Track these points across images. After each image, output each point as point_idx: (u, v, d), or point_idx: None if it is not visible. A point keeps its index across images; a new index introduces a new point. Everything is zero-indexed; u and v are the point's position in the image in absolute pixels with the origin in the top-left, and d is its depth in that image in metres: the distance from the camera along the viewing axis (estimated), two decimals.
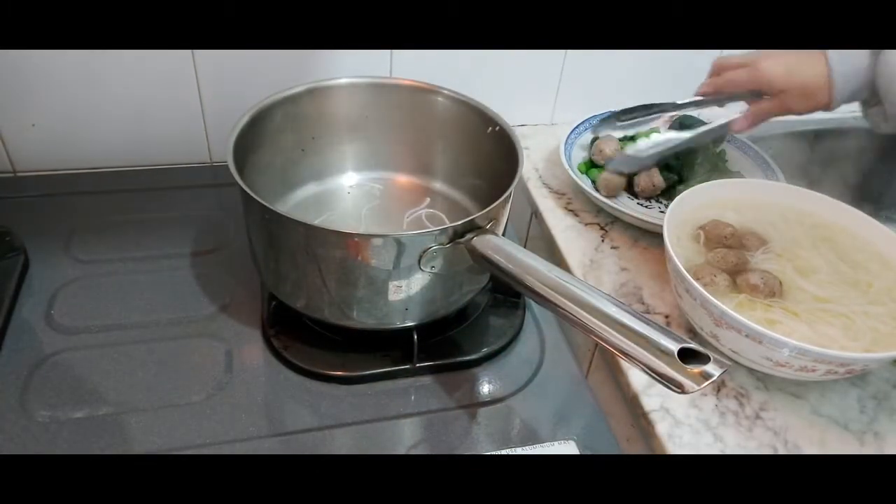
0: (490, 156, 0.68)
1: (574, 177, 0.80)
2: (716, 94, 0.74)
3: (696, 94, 0.76)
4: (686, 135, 0.78)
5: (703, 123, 0.87)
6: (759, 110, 0.71)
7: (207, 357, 0.61)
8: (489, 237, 0.54)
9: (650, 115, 0.80)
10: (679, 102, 0.77)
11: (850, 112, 1.08)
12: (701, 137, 0.78)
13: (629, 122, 0.82)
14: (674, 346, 0.42)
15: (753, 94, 0.72)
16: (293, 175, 0.72)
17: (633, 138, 0.84)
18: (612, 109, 0.91)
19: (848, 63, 0.66)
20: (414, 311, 0.58)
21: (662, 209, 0.81)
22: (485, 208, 0.56)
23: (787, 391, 0.61)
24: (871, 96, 0.69)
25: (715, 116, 0.78)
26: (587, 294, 0.47)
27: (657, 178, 0.80)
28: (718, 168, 0.84)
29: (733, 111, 0.75)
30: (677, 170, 0.82)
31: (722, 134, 0.77)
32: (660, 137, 0.79)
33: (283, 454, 0.54)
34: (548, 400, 0.60)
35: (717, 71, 0.74)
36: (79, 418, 0.55)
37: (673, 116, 0.81)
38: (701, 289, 0.57)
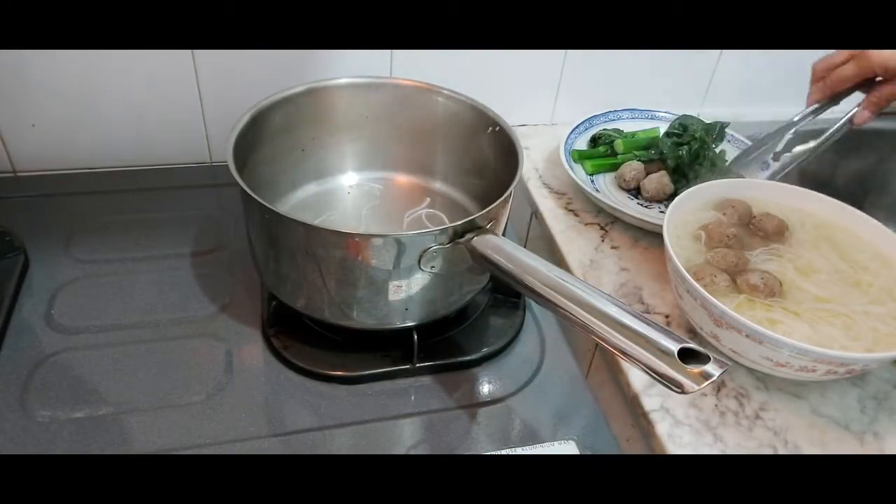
0: (490, 156, 0.68)
1: (574, 177, 0.80)
2: (828, 98, 0.72)
3: (809, 104, 0.73)
4: (811, 144, 0.74)
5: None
6: (880, 97, 0.69)
7: (207, 357, 0.61)
8: (489, 237, 0.54)
9: (769, 146, 0.77)
10: (794, 119, 0.75)
11: (849, 112, 1.08)
12: (826, 141, 0.74)
13: (751, 160, 0.78)
14: (674, 346, 0.42)
15: (860, 86, 0.70)
16: (293, 175, 0.72)
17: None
18: (612, 109, 0.92)
19: None
20: (414, 311, 0.58)
21: (662, 209, 0.81)
22: (485, 208, 0.56)
23: (787, 391, 0.61)
24: None
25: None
26: (587, 294, 0.47)
27: (667, 184, 0.80)
28: (718, 168, 0.84)
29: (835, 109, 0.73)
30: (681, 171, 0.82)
31: (845, 132, 0.73)
32: (787, 157, 0.75)
33: (283, 454, 0.54)
34: (548, 400, 0.60)
35: (820, 74, 0.71)
36: (79, 418, 0.55)
37: (796, 132, 0.76)
38: (701, 289, 0.57)
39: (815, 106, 0.73)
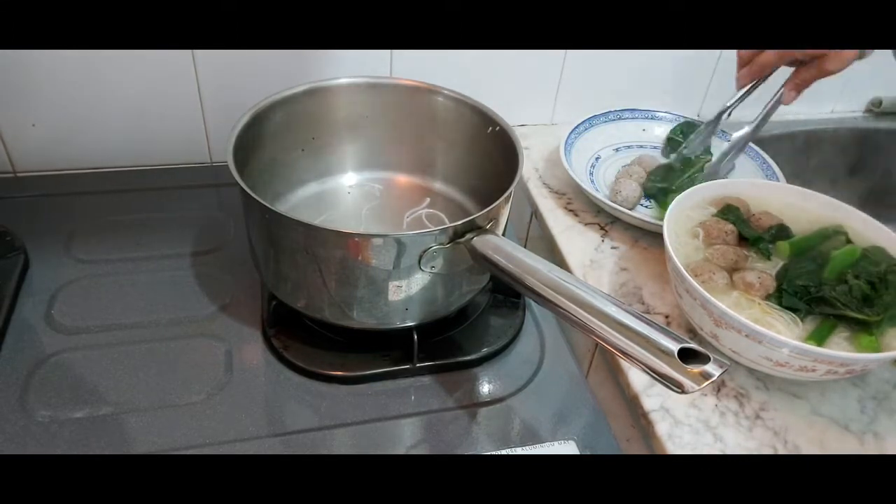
0: (490, 156, 0.68)
1: (574, 177, 0.80)
2: (754, 81, 0.76)
3: (738, 88, 0.78)
4: (747, 129, 0.80)
5: (696, 126, 0.87)
6: (802, 80, 0.72)
7: (207, 357, 0.61)
8: (489, 237, 0.54)
9: (703, 133, 0.84)
10: (727, 105, 0.81)
11: (849, 112, 1.08)
12: (761, 124, 0.79)
13: (685, 149, 0.85)
14: (674, 346, 0.42)
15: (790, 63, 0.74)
16: (293, 175, 0.72)
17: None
18: (612, 109, 0.92)
19: None
20: (414, 311, 0.58)
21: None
22: (485, 208, 0.56)
23: (787, 391, 0.61)
24: None
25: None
26: (587, 294, 0.47)
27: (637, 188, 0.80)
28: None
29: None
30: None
31: (774, 111, 0.78)
32: (725, 147, 0.81)
33: (283, 454, 0.54)
34: (548, 400, 0.60)
35: (744, 60, 0.75)
36: (79, 418, 0.55)
37: (724, 119, 0.83)
38: (701, 289, 0.57)
39: (744, 90, 0.78)
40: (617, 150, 0.90)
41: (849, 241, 0.66)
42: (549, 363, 0.64)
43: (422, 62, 0.85)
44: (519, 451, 0.55)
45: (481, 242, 0.54)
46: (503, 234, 0.60)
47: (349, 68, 0.80)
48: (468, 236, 0.54)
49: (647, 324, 0.44)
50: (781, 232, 0.67)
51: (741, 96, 0.79)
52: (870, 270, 0.61)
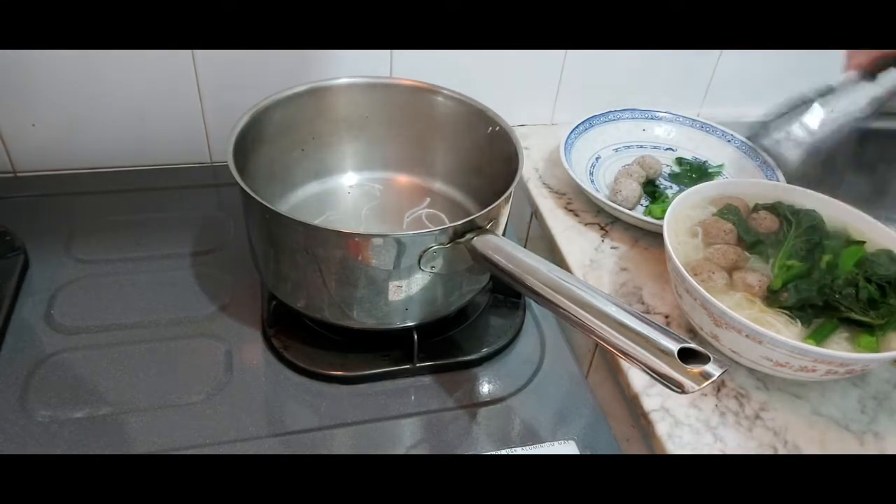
0: (490, 156, 0.68)
1: (574, 177, 0.80)
2: (871, 66, 0.66)
3: (849, 69, 0.66)
4: (872, 93, 0.66)
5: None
6: None
7: (207, 357, 0.61)
8: (489, 237, 0.54)
9: (799, 108, 0.72)
10: (832, 85, 0.69)
11: (850, 113, 1.08)
12: (878, 105, 0.67)
13: (778, 122, 0.74)
14: (674, 346, 0.42)
15: None
16: (293, 175, 0.72)
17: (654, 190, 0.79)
18: (612, 109, 0.92)
19: None
20: (414, 311, 0.58)
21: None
22: (485, 208, 0.56)
23: (787, 391, 0.61)
24: None
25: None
26: (587, 294, 0.47)
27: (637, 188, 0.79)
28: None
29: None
30: None
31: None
32: (836, 111, 0.66)
33: (283, 454, 0.54)
34: (548, 400, 0.60)
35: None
36: (79, 418, 0.55)
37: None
38: (701, 289, 0.57)
39: (856, 73, 0.65)
40: (617, 150, 0.90)
41: (849, 242, 0.66)
42: (549, 363, 0.64)
43: (422, 62, 0.85)
44: (519, 451, 0.55)
45: (481, 242, 0.54)
46: (503, 234, 0.60)
47: (349, 68, 0.80)
48: (468, 236, 0.54)
49: (647, 324, 0.44)
50: (779, 242, 0.66)
51: (848, 82, 0.67)
52: (880, 274, 0.60)
